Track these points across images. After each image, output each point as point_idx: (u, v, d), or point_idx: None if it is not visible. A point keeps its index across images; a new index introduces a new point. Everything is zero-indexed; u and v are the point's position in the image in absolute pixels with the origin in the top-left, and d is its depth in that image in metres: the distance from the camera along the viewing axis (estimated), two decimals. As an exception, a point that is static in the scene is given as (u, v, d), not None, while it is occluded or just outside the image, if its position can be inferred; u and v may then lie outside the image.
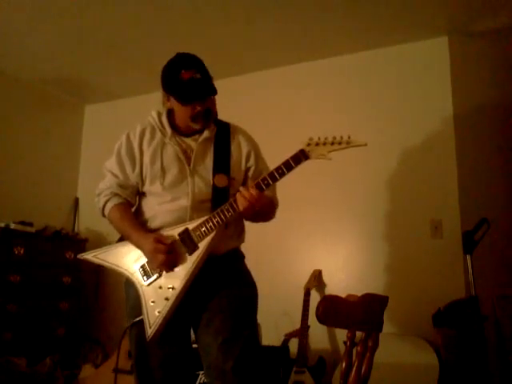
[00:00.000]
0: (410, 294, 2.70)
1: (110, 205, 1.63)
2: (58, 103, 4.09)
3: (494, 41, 2.91)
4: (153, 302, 1.49)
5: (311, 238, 3.07)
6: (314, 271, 2.93)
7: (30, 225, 3.33)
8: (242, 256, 1.71)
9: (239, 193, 1.45)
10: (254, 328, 1.61)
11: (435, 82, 2.89)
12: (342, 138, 1.41)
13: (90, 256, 1.65)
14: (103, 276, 3.78)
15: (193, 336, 1.62)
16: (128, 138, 1.67)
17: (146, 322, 1.47)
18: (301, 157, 1.44)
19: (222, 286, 1.57)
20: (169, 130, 1.63)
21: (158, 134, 1.65)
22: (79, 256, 1.68)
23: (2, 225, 3.16)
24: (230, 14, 2.74)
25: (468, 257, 2.31)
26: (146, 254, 1.54)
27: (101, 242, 3.63)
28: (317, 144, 1.43)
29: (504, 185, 2.80)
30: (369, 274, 2.85)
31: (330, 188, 3.04)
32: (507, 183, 2.80)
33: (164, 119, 1.66)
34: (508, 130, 2.83)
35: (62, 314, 3.38)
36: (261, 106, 3.41)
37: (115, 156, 1.67)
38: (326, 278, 2.99)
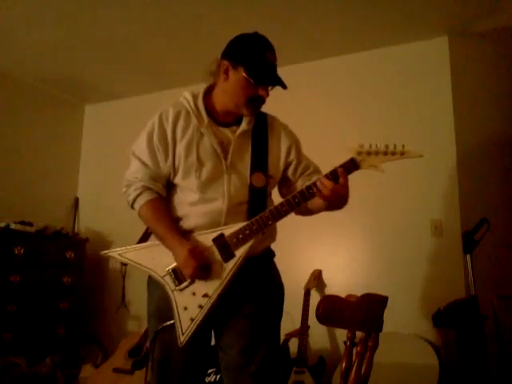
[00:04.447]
0: (410, 293, 2.70)
1: (141, 200, 1.49)
2: (58, 103, 4.09)
3: (494, 41, 2.91)
4: (185, 308, 1.41)
5: (311, 238, 3.07)
6: (314, 271, 2.93)
7: (30, 225, 3.32)
8: (272, 254, 1.63)
9: (319, 184, 1.34)
10: (277, 334, 1.56)
11: (435, 82, 2.89)
12: (395, 147, 1.32)
13: (115, 254, 1.55)
14: (105, 276, 3.78)
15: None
16: (161, 121, 1.48)
17: (179, 328, 1.40)
18: (351, 167, 1.34)
19: (252, 288, 1.49)
20: (205, 117, 1.47)
21: (194, 121, 1.48)
22: (102, 253, 1.58)
23: (2, 225, 3.16)
24: (229, 14, 2.74)
25: (468, 257, 2.31)
26: (178, 262, 1.43)
27: (101, 242, 3.63)
28: (368, 153, 1.34)
29: (504, 185, 2.80)
30: (369, 274, 2.85)
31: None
32: (507, 183, 2.80)
33: (200, 103, 1.49)
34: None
35: (62, 313, 3.38)
36: (261, 105, 3.40)
37: (146, 141, 1.49)
38: (326, 278, 2.99)
